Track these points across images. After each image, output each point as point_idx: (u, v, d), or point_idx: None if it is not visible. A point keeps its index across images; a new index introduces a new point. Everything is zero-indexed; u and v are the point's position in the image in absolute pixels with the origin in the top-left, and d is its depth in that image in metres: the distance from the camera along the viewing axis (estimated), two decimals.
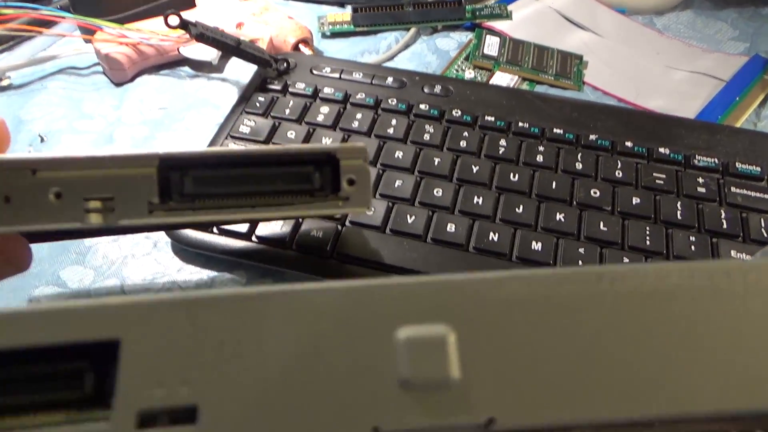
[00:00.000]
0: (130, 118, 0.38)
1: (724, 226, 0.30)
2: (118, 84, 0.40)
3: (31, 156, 0.16)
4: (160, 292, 0.30)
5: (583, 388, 0.09)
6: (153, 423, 0.09)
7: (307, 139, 0.33)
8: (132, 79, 0.40)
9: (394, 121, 0.34)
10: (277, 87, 0.36)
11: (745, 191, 0.31)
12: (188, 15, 0.35)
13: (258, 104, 0.35)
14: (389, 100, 0.36)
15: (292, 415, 0.08)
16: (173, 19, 0.33)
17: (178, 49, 0.40)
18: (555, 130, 0.34)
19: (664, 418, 0.08)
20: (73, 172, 0.16)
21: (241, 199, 0.16)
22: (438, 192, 0.31)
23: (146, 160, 0.16)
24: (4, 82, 0.39)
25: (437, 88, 0.37)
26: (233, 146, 0.35)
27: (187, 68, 0.41)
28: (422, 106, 0.35)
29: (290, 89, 0.36)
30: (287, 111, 0.35)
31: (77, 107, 0.38)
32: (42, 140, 0.36)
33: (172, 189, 0.16)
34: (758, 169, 0.32)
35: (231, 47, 0.35)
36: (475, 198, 0.31)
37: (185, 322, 0.09)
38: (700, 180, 0.32)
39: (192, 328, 0.09)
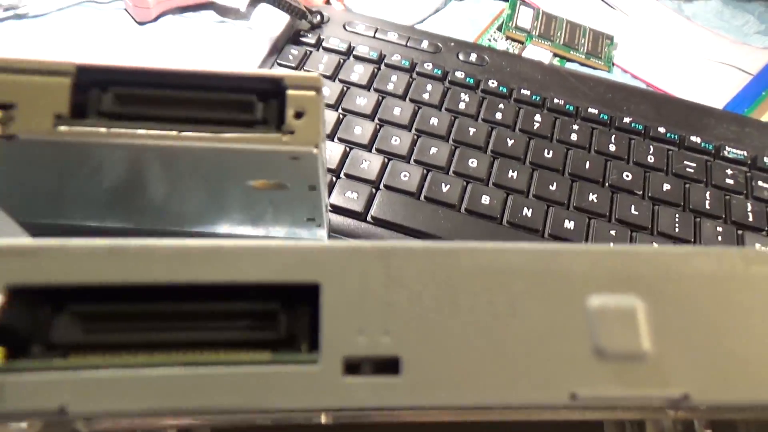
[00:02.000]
0: (152, 61, 0.36)
1: (750, 218, 0.30)
2: (141, 23, 0.38)
3: None
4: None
5: None
6: (357, 370, 0.08)
7: (340, 98, 0.33)
8: (155, 19, 0.39)
9: (429, 87, 0.34)
10: (311, 41, 0.35)
11: None
12: None
13: (291, 57, 0.34)
14: (425, 65, 0.35)
15: (494, 372, 0.08)
16: None
17: None
18: (590, 110, 0.34)
19: None
20: None
21: (166, 125, 0.14)
22: (473, 162, 0.31)
23: (60, 68, 0.14)
24: (21, 10, 0.37)
25: (472, 57, 0.36)
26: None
27: (212, 12, 0.40)
28: (458, 74, 0.35)
29: (324, 44, 0.35)
30: (321, 66, 0.34)
31: (95, 43, 0.37)
32: None
33: (89, 105, 0.14)
34: None
35: None
36: (510, 172, 0.31)
37: (381, 271, 0.09)
38: (729, 171, 0.32)
39: (388, 278, 0.09)
